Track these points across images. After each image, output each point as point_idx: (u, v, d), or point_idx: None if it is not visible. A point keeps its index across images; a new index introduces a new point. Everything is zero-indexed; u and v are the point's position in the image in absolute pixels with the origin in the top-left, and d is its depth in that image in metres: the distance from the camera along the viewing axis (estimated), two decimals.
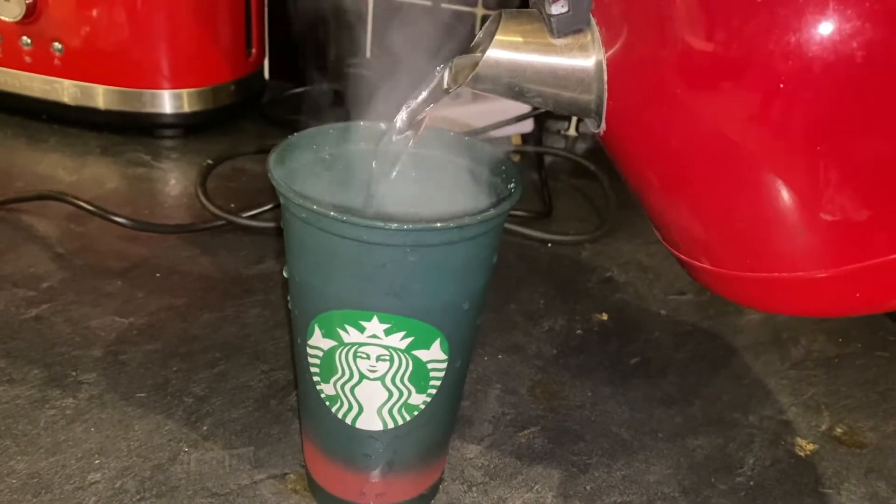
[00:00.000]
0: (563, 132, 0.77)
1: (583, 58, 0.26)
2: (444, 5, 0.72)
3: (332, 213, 0.25)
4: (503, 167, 0.30)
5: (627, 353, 0.45)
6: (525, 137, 0.69)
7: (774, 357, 0.46)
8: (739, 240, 0.25)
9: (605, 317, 0.48)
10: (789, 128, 0.22)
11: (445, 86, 0.28)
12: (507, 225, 0.56)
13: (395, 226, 0.25)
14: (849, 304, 0.26)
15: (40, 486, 0.33)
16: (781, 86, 0.21)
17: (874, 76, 0.21)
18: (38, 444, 0.35)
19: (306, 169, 0.30)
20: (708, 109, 0.23)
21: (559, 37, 0.26)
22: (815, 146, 0.22)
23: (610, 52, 0.25)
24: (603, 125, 0.27)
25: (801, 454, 0.39)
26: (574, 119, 0.77)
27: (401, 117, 0.29)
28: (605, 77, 0.25)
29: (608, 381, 0.43)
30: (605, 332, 0.47)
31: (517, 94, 0.27)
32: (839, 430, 0.41)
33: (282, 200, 0.27)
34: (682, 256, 0.28)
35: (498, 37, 0.26)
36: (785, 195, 0.23)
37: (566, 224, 0.59)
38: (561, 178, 0.67)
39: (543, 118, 0.75)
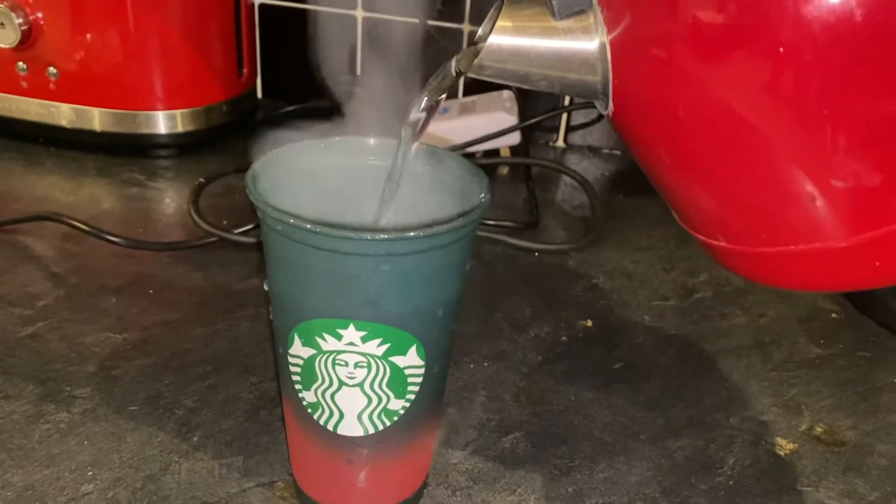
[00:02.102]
0: (550, 144, 0.79)
1: (586, 39, 0.25)
2: (430, 23, 0.74)
3: (306, 225, 0.26)
4: (474, 177, 0.31)
5: (611, 359, 0.46)
6: (513, 149, 0.70)
7: (756, 360, 0.47)
8: (754, 214, 0.25)
9: (589, 323, 0.49)
10: (794, 93, 0.22)
11: (454, 73, 0.29)
12: (494, 235, 0.57)
13: (367, 236, 0.26)
14: (869, 275, 0.25)
15: (35, 498, 0.34)
16: (782, 50, 0.21)
17: (875, 37, 0.20)
18: (33, 457, 0.36)
19: (284, 184, 0.31)
20: (714, 81, 0.23)
21: (561, 19, 0.25)
22: (821, 110, 0.21)
23: (614, 32, 0.25)
24: (611, 105, 0.26)
25: (781, 453, 0.40)
26: (561, 131, 0.78)
27: (413, 111, 0.29)
28: (610, 57, 0.25)
29: (592, 386, 0.44)
30: (589, 338, 0.48)
31: (523, 78, 0.27)
32: (819, 429, 0.42)
33: (259, 214, 0.28)
34: (700, 236, 0.28)
35: (500, 23, 0.26)
36: (796, 164, 0.23)
37: (553, 234, 0.60)
38: (548, 189, 0.68)
39: (530, 131, 0.76)
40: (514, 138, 0.69)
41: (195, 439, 0.38)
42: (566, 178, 0.70)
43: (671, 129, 0.25)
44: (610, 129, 0.77)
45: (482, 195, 0.29)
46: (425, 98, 0.30)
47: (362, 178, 0.33)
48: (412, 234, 0.26)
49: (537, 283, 0.53)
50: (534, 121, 0.70)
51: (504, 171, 0.71)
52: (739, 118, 0.23)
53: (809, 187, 0.23)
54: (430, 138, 0.65)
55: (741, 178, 0.24)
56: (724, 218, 0.26)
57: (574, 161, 0.76)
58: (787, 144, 0.23)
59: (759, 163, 0.23)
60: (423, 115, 0.30)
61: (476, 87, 0.76)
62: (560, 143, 0.79)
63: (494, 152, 0.70)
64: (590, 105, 0.75)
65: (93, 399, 0.40)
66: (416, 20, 0.72)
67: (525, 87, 0.28)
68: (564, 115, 0.78)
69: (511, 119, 0.68)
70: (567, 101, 0.77)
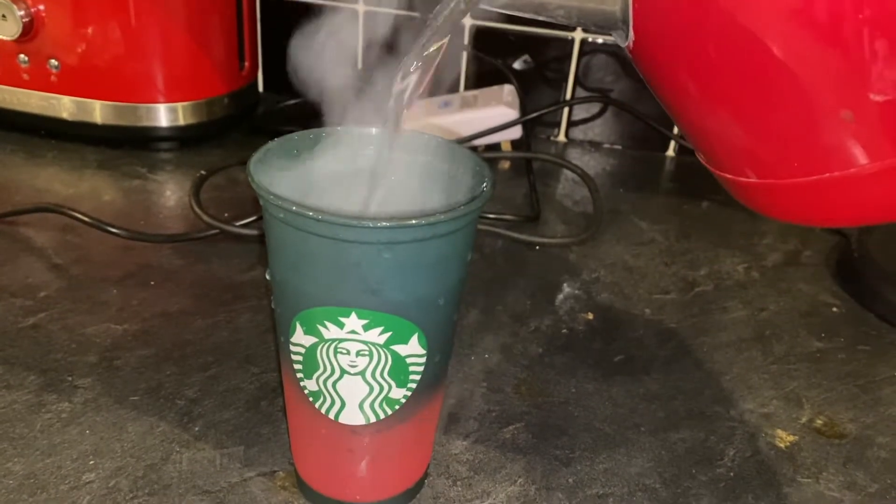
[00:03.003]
0: (552, 138, 0.79)
1: None
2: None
3: (308, 213, 0.26)
4: (477, 168, 0.31)
5: (612, 352, 0.46)
6: (514, 143, 0.70)
7: (757, 353, 0.47)
8: (785, 140, 0.23)
9: (590, 316, 0.49)
10: None
11: (463, 6, 0.27)
12: (495, 228, 0.57)
13: (369, 224, 0.26)
14: None
15: (36, 487, 0.34)
16: None
17: None
18: (35, 446, 0.36)
19: (286, 173, 0.31)
20: None
21: None
22: (858, 13, 0.20)
23: None
24: (631, 35, 0.25)
25: (782, 445, 0.40)
26: (563, 125, 0.78)
27: (399, 77, 0.28)
28: None
29: (592, 379, 0.44)
30: (590, 331, 0.48)
31: (538, 7, 0.25)
32: (819, 421, 0.42)
33: (261, 202, 0.28)
34: (727, 175, 0.26)
35: None
36: (831, 80, 0.21)
37: (554, 228, 0.60)
38: (549, 183, 0.68)
39: (531, 125, 0.76)
40: (516, 132, 0.69)
41: (196, 429, 0.38)
42: (567, 173, 0.70)
43: (697, 56, 0.24)
44: (612, 124, 0.77)
45: (485, 185, 0.29)
46: (425, 41, 0.28)
47: (364, 167, 0.33)
48: (414, 222, 0.26)
49: (538, 276, 0.53)
50: (535, 115, 0.70)
51: (505, 165, 0.71)
52: (771, 35, 0.21)
53: (846, 105, 0.21)
54: (433, 131, 0.65)
55: (773, 101, 0.23)
56: (753, 149, 0.25)
57: (575, 155, 0.75)
58: (822, 58, 0.21)
59: (793, 83, 0.22)
60: (415, 77, 0.28)
61: (478, 81, 0.76)
62: (561, 137, 0.79)
63: (496, 146, 0.70)
64: (591, 100, 0.75)
65: (94, 389, 0.40)
66: (416, 14, 0.72)
67: (540, 17, 0.26)
68: (566, 110, 0.78)
69: (512, 113, 0.68)
70: (569, 94, 0.77)
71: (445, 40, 0.29)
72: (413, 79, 0.29)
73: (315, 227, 0.26)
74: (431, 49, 0.29)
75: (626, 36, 0.26)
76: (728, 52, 0.23)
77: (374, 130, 0.33)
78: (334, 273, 0.27)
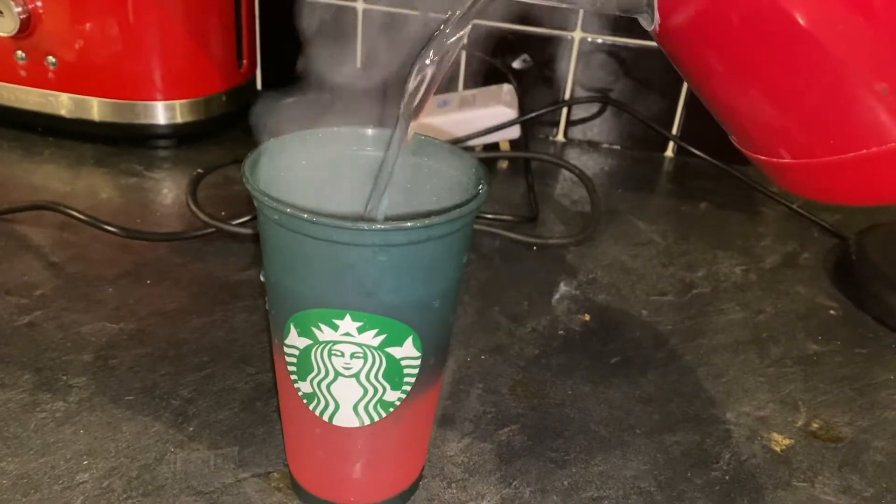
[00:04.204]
0: (550, 138, 0.79)
1: None
2: (432, 15, 0.74)
3: (302, 215, 0.26)
4: (473, 169, 0.31)
5: (608, 353, 0.46)
6: (513, 143, 0.70)
7: (753, 355, 0.47)
8: (820, 118, 0.23)
9: (587, 318, 0.49)
10: None
11: None
12: (493, 229, 0.57)
13: (363, 226, 0.26)
14: None
15: (29, 486, 0.34)
16: None
17: None
18: (28, 445, 0.36)
19: (282, 173, 0.31)
20: None
21: None
22: None
23: None
24: (657, 18, 0.25)
25: (777, 449, 0.40)
26: (561, 125, 0.78)
27: (412, 78, 0.28)
28: None
29: (588, 380, 0.44)
30: (587, 332, 0.48)
31: None
32: (815, 425, 0.42)
33: (256, 203, 0.28)
34: (760, 157, 0.26)
35: None
36: (864, 51, 0.21)
37: (552, 228, 0.60)
38: (548, 184, 0.68)
39: (530, 125, 0.76)
40: (514, 132, 0.69)
41: (191, 429, 0.38)
42: (566, 173, 0.70)
43: (727, 35, 0.23)
44: (611, 124, 0.77)
45: (480, 187, 0.29)
46: (443, 32, 0.27)
47: (361, 168, 0.33)
48: (409, 224, 0.26)
49: (535, 276, 0.53)
50: (534, 115, 0.70)
51: (503, 164, 0.71)
52: (803, 7, 0.21)
53: (882, 78, 0.21)
54: (431, 131, 0.65)
55: (806, 78, 0.22)
56: (787, 128, 0.24)
57: (574, 156, 0.75)
58: (856, 30, 0.21)
59: (826, 57, 0.21)
60: (430, 71, 0.28)
61: (476, 80, 0.76)
62: (560, 137, 0.78)
63: (494, 146, 0.70)
64: (590, 100, 0.75)
65: (89, 388, 0.40)
66: (417, 12, 0.71)
67: (563, 5, 0.25)
68: (565, 110, 0.77)
69: (511, 113, 0.68)
70: (568, 94, 0.76)
71: (466, 29, 0.28)
72: (428, 73, 0.28)
73: (309, 229, 0.26)
74: (450, 41, 0.28)
75: (652, 18, 0.25)
76: (759, 28, 0.22)
77: (370, 130, 0.33)
78: (329, 275, 0.27)
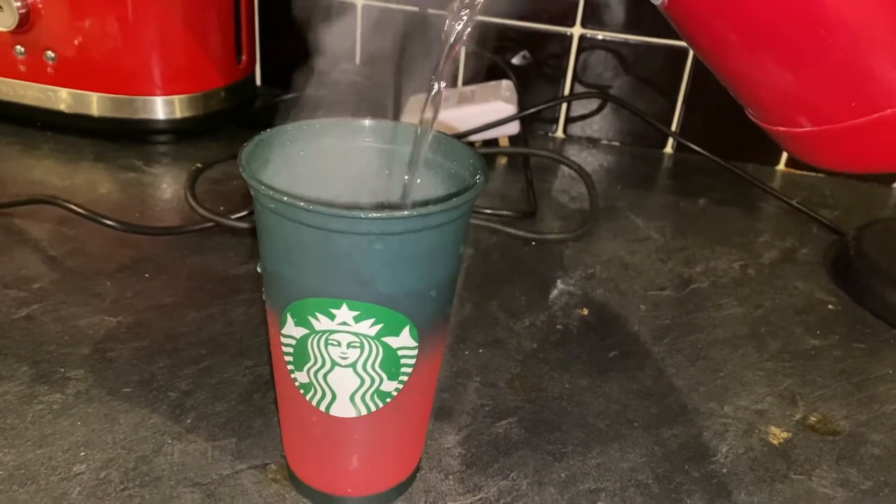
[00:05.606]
0: (549, 134, 0.79)
1: None
2: (431, 11, 0.74)
3: (299, 203, 0.26)
4: (470, 160, 0.31)
5: (606, 347, 0.46)
6: (512, 139, 0.70)
7: (751, 350, 0.47)
8: (840, 81, 0.22)
9: (585, 312, 0.49)
10: None
11: None
12: (491, 224, 0.57)
13: (360, 215, 0.26)
14: None
15: (26, 477, 0.34)
16: None
17: None
18: (26, 437, 0.36)
19: (278, 164, 0.31)
20: None
21: None
22: None
23: None
24: None
25: (775, 442, 0.40)
26: (561, 121, 0.78)
27: (434, 80, 0.28)
28: None
29: (586, 374, 0.44)
30: (585, 326, 0.48)
31: None
32: (813, 418, 0.42)
33: (252, 192, 0.28)
34: (780, 128, 0.25)
35: None
36: (884, 5, 0.20)
37: (550, 224, 0.60)
38: (546, 179, 0.68)
39: (529, 121, 0.76)
40: (513, 128, 0.69)
41: (188, 421, 0.38)
42: (564, 169, 0.70)
43: (743, 2, 0.23)
44: (610, 120, 0.77)
45: (478, 177, 0.29)
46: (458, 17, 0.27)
47: (357, 159, 0.33)
48: (405, 213, 0.26)
49: (534, 271, 0.53)
50: (533, 110, 0.70)
51: (502, 160, 0.71)
52: None
53: None
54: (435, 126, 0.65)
55: (825, 39, 0.22)
56: (806, 95, 0.24)
57: (573, 152, 0.75)
58: None
59: (845, 16, 0.21)
60: (460, 28, 0.27)
61: (475, 76, 0.76)
62: (559, 133, 0.78)
63: (493, 142, 0.70)
64: (590, 96, 0.75)
65: (86, 381, 0.40)
66: (416, 8, 0.71)
67: None
68: (564, 106, 0.77)
69: (510, 109, 0.68)
70: (567, 90, 0.76)
71: None
72: (457, 29, 0.28)
73: (306, 217, 0.26)
74: None
75: None
76: None
77: (367, 122, 0.33)
78: (325, 264, 0.27)
